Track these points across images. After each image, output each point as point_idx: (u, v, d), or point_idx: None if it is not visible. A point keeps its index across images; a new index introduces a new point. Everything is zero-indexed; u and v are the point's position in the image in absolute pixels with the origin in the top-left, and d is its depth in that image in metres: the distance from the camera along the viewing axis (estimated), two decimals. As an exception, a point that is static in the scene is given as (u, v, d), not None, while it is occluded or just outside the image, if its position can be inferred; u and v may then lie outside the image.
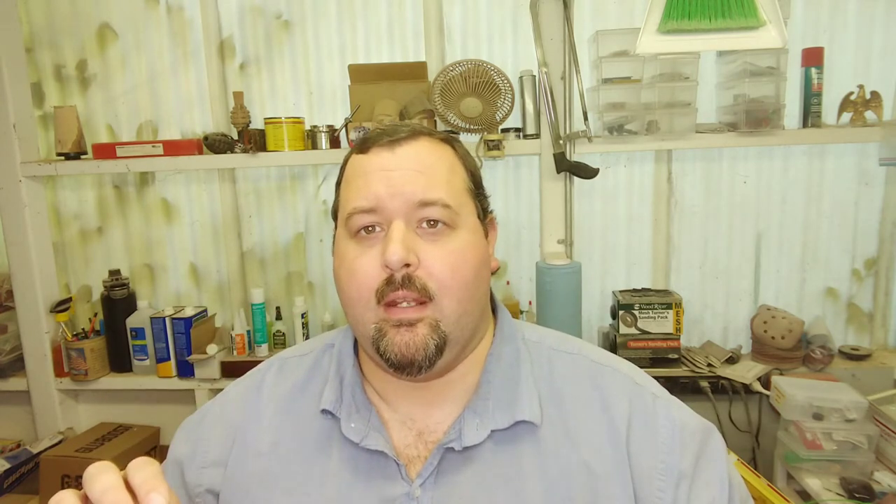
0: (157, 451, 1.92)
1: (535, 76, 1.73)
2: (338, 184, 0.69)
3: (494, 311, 0.74)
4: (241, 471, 0.68)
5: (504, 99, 1.69)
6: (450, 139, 0.69)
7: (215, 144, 1.74)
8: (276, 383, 0.73)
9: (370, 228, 0.62)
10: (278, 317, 1.90)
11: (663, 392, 0.70)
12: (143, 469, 0.44)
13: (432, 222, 0.62)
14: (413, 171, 0.63)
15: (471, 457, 0.63)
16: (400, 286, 0.60)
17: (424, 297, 0.60)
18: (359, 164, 0.65)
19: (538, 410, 0.65)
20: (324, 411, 0.67)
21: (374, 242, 0.62)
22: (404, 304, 0.60)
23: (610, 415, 0.65)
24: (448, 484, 0.63)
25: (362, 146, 0.66)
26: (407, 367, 0.61)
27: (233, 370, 1.80)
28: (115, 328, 1.89)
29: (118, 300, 1.88)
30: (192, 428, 0.74)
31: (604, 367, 0.70)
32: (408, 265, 0.60)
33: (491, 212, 0.72)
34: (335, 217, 0.69)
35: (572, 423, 0.65)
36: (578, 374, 0.69)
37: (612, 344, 1.72)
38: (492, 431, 0.64)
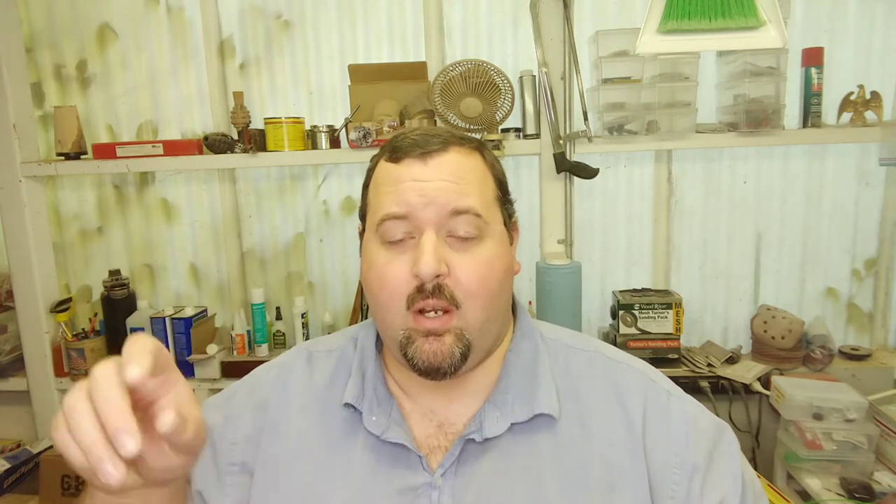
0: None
1: (535, 76, 1.73)
2: (365, 185, 0.71)
3: (515, 310, 0.76)
4: (272, 455, 0.69)
5: (504, 99, 1.69)
6: (479, 146, 0.70)
7: (215, 144, 1.74)
8: (306, 374, 0.74)
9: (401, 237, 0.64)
10: (278, 317, 1.90)
11: (677, 389, 0.72)
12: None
13: (463, 232, 0.64)
14: (446, 181, 0.64)
15: (490, 448, 0.66)
16: (430, 295, 0.62)
17: (451, 306, 0.62)
18: (390, 172, 0.66)
19: (556, 404, 0.67)
20: (346, 405, 0.69)
21: (404, 249, 0.64)
22: (432, 314, 0.63)
23: (626, 409, 0.68)
24: (468, 474, 0.65)
25: (393, 154, 0.67)
26: (433, 374, 0.63)
27: (233, 370, 1.80)
28: (115, 328, 1.88)
29: (118, 300, 1.88)
30: (220, 403, 0.75)
31: (619, 364, 0.72)
32: (438, 276, 0.62)
33: (514, 215, 0.74)
34: (363, 219, 0.71)
35: (589, 417, 0.67)
36: (595, 370, 0.71)
37: (612, 344, 1.72)
38: (511, 424, 0.66)
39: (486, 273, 0.64)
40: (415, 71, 1.75)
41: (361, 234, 0.71)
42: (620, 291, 1.76)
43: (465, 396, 0.69)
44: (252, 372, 0.78)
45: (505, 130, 1.75)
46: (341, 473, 0.67)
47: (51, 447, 1.84)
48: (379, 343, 0.74)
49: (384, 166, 0.68)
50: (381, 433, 0.66)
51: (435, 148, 0.66)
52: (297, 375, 0.74)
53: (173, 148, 1.78)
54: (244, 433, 0.71)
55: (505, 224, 0.70)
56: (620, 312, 1.71)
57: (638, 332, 1.71)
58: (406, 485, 0.65)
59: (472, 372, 0.69)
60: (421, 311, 0.63)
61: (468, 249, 0.64)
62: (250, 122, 1.80)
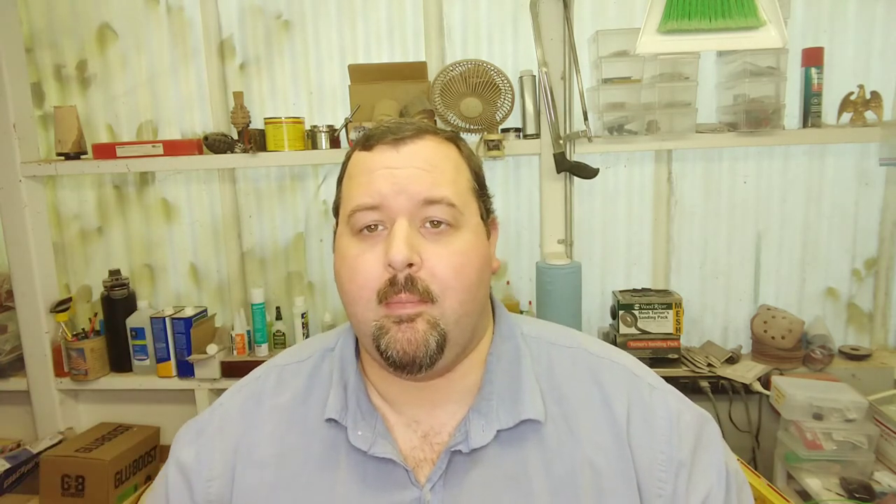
0: (157, 450, 1.92)
1: (535, 76, 1.73)
2: (339, 180, 0.69)
3: (493, 308, 0.73)
4: (247, 484, 0.67)
5: (504, 99, 1.69)
6: (454, 138, 0.68)
7: (215, 144, 1.74)
8: (277, 393, 0.71)
9: (373, 227, 0.62)
10: (278, 317, 1.90)
11: (660, 382, 0.70)
12: None
13: (436, 222, 0.62)
14: (418, 169, 0.62)
15: (477, 459, 0.64)
16: (402, 288, 0.59)
17: (426, 299, 0.60)
18: (362, 161, 0.64)
19: (541, 407, 0.65)
20: (329, 420, 0.66)
21: (376, 241, 0.62)
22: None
23: (610, 408, 0.66)
24: (456, 486, 0.63)
25: (366, 143, 0.65)
26: (408, 366, 0.60)
27: (233, 370, 1.81)
28: (115, 328, 1.89)
29: (118, 300, 1.88)
30: (193, 437, 0.72)
31: (602, 360, 0.70)
32: (411, 265, 0.59)
33: (493, 212, 0.71)
34: (336, 213, 0.68)
35: (574, 420, 0.66)
36: (578, 368, 0.69)
37: (612, 344, 1.72)
38: (497, 432, 0.64)
39: (461, 264, 0.61)
40: (415, 71, 1.75)
41: (335, 230, 0.68)
42: (620, 291, 1.76)
43: (449, 402, 0.67)
44: (220, 398, 0.74)
45: (505, 130, 1.75)
46: (327, 494, 0.64)
47: (51, 447, 1.84)
48: (358, 352, 0.71)
49: (357, 156, 0.66)
50: (367, 448, 0.63)
51: (408, 135, 0.64)
52: (267, 397, 0.71)
53: (173, 148, 1.78)
54: (217, 471, 0.68)
55: (482, 217, 0.67)
56: (620, 312, 1.71)
57: (638, 332, 1.71)
58: (394, 501, 0.63)
59: (452, 374, 0.66)
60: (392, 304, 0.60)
61: (442, 240, 0.61)
62: (250, 122, 1.80)
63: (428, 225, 0.62)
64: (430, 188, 0.61)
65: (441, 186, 0.62)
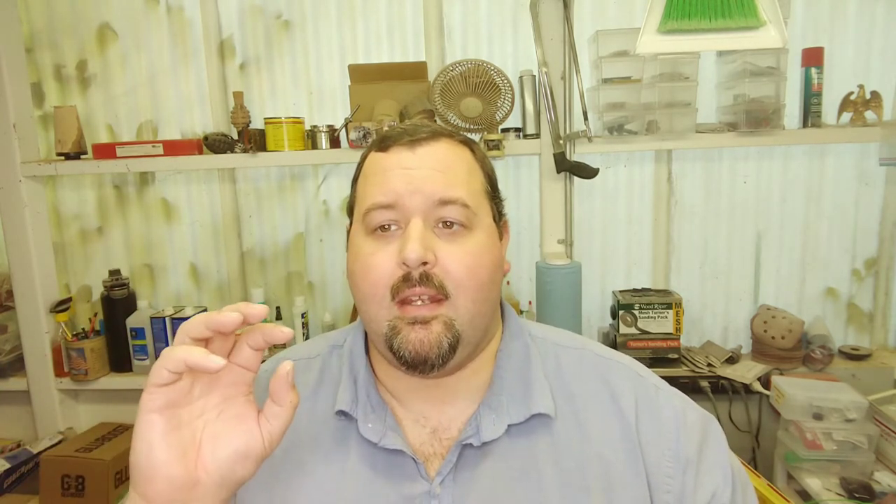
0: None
1: (535, 76, 1.73)
2: (354, 179, 0.70)
3: (502, 309, 0.75)
4: (255, 476, 0.67)
5: (504, 99, 1.69)
6: (469, 141, 0.70)
7: (215, 144, 1.74)
8: None
9: (387, 226, 0.63)
10: (278, 317, 1.90)
11: (663, 383, 0.72)
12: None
13: (449, 222, 0.63)
14: (433, 170, 0.63)
15: (487, 452, 0.64)
16: (417, 283, 0.60)
17: (441, 295, 0.61)
18: (378, 161, 0.66)
19: (552, 403, 0.66)
20: (340, 412, 0.67)
21: (391, 239, 0.63)
22: (419, 303, 0.61)
23: (619, 406, 0.67)
24: (467, 480, 0.64)
25: (382, 144, 0.66)
26: (420, 366, 0.61)
27: (233, 370, 1.80)
28: (115, 328, 1.88)
29: (118, 300, 1.88)
30: None
31: (608, 361, 0.72)
32: (425, 263, 0.60)
33: (504, 215, 0.72)
34: (350, 213, 0.69)
35: (583, 416, 0.67)
36: (585, 368, 0.71)
37: (612, 344, 1.72)
38: (508, 426, 0.65)
39: (475, 264, 0.62)
40: (415, 71, 1.75)
41: (349, 230, 0.69)
42: (620, 291, 1.76)
43: (458, 399, 0.67)
44: None
45: (505, 130, 1.75)
46: (336, 486, 0.65)
47: (51, 447, 1.84)
48: (367, 348, 0.72)
49: (373, 157, 0.67)
50: (378, 440, 0.64)
51: (424, 136, 0.65)
52: None
53: (173, 148, 1.78)
54: None
55: (494, 219, 0.69)
56: (620, 312, 1.71)
57: (638, 332, 1.71)
58: (404, 494, 0.63)
59: (462, 372, 0.67)
60: (406, 302, 0.61)
61: (456, 240, 0.63)
62: (250, 121, 1.80)
63: (441, 225, 0.63)
64: (445, 189, 0.62)
65: (456, 187, 0.63)
